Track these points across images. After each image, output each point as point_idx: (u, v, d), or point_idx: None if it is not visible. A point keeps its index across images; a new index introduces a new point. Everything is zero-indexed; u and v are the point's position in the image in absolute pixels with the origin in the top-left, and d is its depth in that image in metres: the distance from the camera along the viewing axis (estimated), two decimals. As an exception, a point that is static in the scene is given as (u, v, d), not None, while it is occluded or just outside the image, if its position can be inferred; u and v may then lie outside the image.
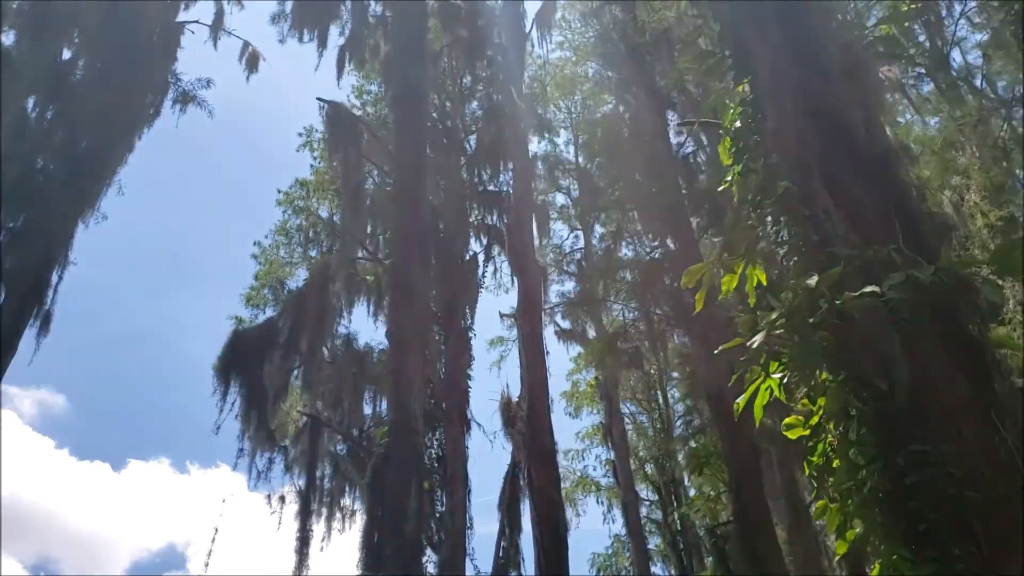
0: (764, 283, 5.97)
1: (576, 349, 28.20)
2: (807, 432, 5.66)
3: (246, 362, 13.46)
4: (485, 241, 26.87)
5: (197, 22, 20.51)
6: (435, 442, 24.32)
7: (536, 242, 27.70)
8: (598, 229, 26.79)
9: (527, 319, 18.18)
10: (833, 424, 5.30)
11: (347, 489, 17.89)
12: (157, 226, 55.46)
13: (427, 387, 24.93)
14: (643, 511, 29.29)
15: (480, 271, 25.26)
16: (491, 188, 27.46)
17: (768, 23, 6.85)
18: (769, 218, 5.69)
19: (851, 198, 5.81)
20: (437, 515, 22.76)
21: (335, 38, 21.47)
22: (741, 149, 7.16)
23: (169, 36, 19.07)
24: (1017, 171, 15.62)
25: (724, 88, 7.52)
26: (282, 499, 14.03)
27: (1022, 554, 4.32)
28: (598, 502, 30.76)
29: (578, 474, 31.11)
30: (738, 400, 5.87)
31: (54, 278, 15.43)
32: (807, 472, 5.72)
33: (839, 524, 5.28)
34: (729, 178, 7.30)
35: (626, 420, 29.33)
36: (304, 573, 13.36)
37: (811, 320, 4.62)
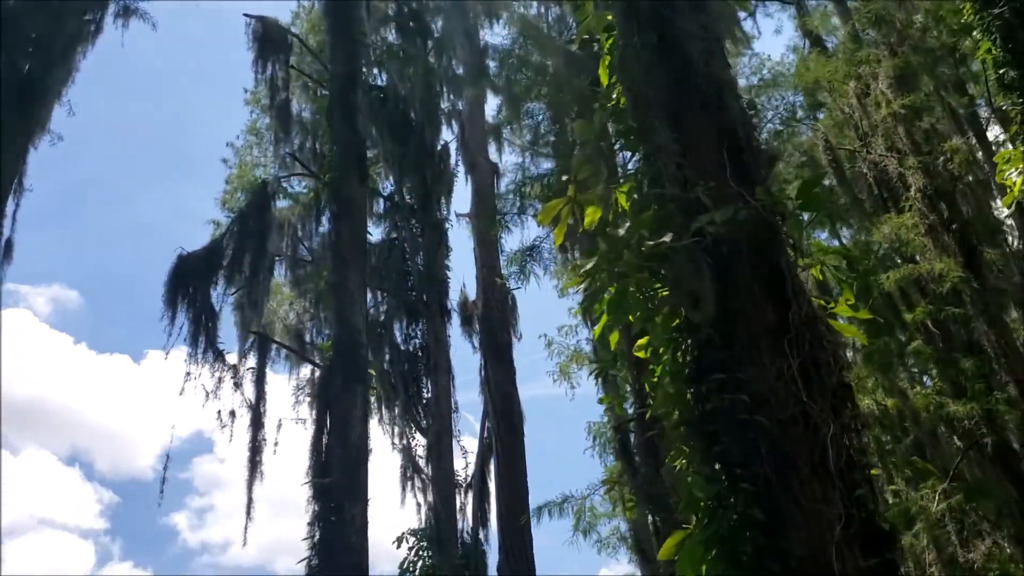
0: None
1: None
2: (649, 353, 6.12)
3: (193, 286, 13.94)
4: (457, 128, 26.77)
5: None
6: (418, 332, 25.15)
7: (509, 125, 27.57)
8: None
9: (480, 218, 18.42)
10: (663, 351, 5.74)
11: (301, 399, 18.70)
12: (153, 118, 54.73)
13: (407, 280, 25.58)
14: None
15: (453, 159, 25.32)
16: (459, 72, 27.12)
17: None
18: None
19: (690, 133, 6.04)
20: (424, 401, 23.82)
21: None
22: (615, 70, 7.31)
23: (102, -55, 18.53)
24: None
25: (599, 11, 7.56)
26: (232, 414, 14.84)
27: (800, 474, 4.81)
28: (590, 374, 31.77)
29: (572, 349, 32.13)
30: (594, 328, 6.31)
31: (10, 206, 15.76)
32: (648, 390, 6.22)
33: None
34: (615, 95, 7.49)
35: (614, 295, 30.02)
36: (257, 480, 14.31)
37: (617, 269, 4.96)
